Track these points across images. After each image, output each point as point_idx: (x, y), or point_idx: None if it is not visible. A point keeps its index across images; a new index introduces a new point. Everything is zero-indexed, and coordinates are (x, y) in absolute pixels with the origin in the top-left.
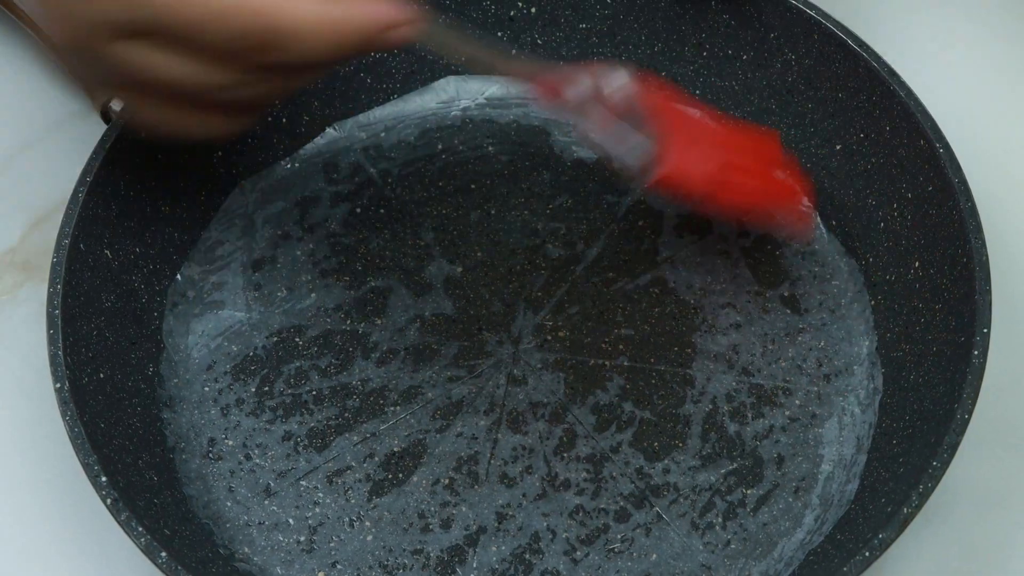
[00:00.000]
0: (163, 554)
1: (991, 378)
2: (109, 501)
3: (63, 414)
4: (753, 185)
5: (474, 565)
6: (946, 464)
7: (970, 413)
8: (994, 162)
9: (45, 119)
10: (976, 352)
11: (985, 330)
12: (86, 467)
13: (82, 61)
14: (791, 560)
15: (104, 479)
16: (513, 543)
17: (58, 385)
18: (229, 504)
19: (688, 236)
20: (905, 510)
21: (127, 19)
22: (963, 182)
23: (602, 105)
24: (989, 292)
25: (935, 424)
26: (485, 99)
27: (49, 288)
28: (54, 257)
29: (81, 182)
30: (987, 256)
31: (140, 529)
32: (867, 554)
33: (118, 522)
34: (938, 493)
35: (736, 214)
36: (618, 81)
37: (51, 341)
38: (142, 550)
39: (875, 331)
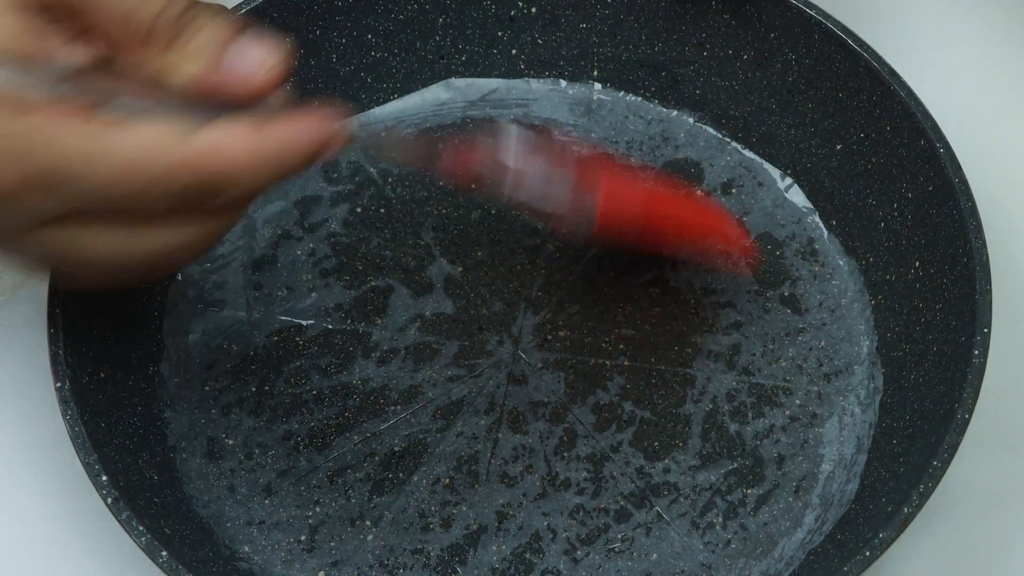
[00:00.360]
0: (164, 553)
1: (991, 378)
2: (110, 500)
3: (64, 413)
4: (685, 212)
5: (474, 564)
6: (946, 464)
7: (970, 413)
8: (994, 162)
9: None
10: (976, 352)
11: (985, 330)
12: (87, 466)
13: None
14: (791, 560)
15: (105, 478)
16: (513, 542)
17: (59, 384)
18: (230, 503)
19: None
20: (905, 510)
21: (53, 206)
22: (963, 182)
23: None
24: (989, 292)
25: (935, 424)
26: (485, 99)
27: (49, 287)
28: None
29: None
30: (987, 256)
31: (141, 528)
32: (867, 554)
33: (119, 521)
34: (938, 493)
35: (677, 244)
36: (513, 134)
37: (52, 340)
38: (143, 549)
39: (875, 331)
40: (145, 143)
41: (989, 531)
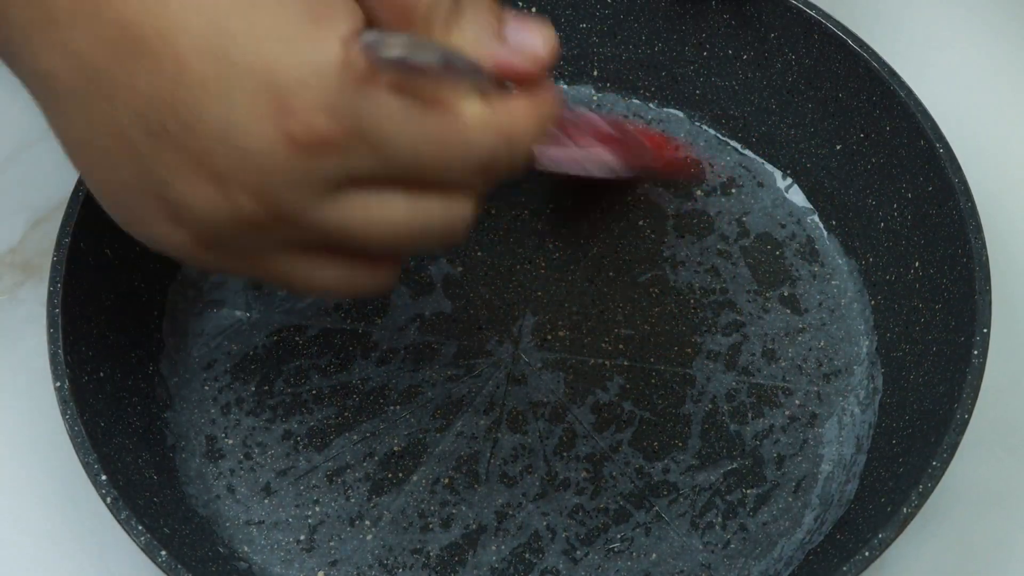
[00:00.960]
0: (163, 553)
1: (991, 378)
2: (109, 500)
3: (63, 413)
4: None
5: (474, 564)
6: (946, 464)
7: (970, 413)
8: (994, 162)
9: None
10: (976, 352)
11: (985, 330)
12: (86, 466)
13: (243, 235)
14: (791, 560)
15: (104, 478)
16: (513, 542)
17: (58, 384)
18: (229, 503)
19: (688, 236)
20: (905, 510)
21: (367, 165)
22: (963, 182)
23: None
24: (989, 292)
25: (935, 424)
26: None
27: (49, 287)
28: (54, 256)
29: (82, 181)
30: (987, 256)
31: (140, 528)
32: (867, 554)
33: (118, 521)
34: (937, 493)
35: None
36: None
37: (51, 340)
38: (142, 549)
39: (875, 331)
40: (471, 112)
41: (988, 531)
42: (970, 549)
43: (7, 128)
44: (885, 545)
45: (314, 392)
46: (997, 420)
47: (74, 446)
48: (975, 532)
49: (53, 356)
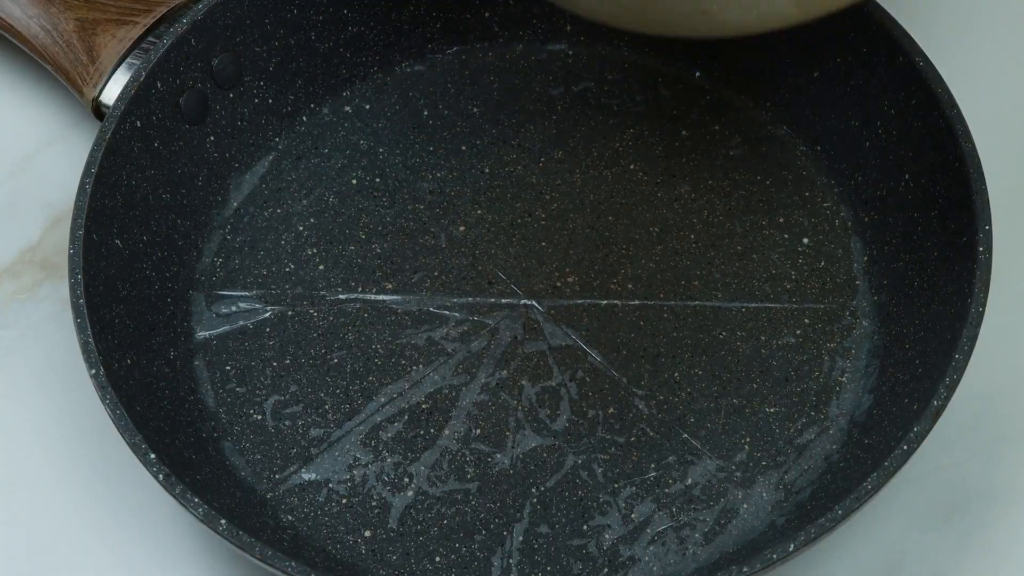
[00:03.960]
0: (223, 521)
1: (1006, 375)
2: (161, 476)
3: (102, 399)
4: None
5: (514, 507)
6: (967, 357)
7: (983, 307)
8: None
9: (62, 119)
10: (981, 248)
11: (987, 227)
12: (133, 446)
13: None
14: (821, 469)
15: (153, 456)
16: (550, 482)
17: (93, 371)
18: (267, 475)
19: (679, 175)
20: (935, 402)
21: None
22: (946, 91)
23: None
24: (986, 191)
25: (948, 322)
26: (465, 64)
27: (70, 279)
28: (70, 248)
29: (86, 174)
30: (979, 158)
31: (196, 500)
32: (905, 447)
33: (172, 495)
34: (956, 490)
35: None
36: None
37: (80, 329)
38: (200, 520)
39: (872, 245)
40: None
41: (1009, 528)
42: (987, 547)
43: (25, 128)
44: (921, 437)
45: (336, 361)
46: (1018, 416)
47: (118, 429)
48: (991, 529)
49: (84, 345)
